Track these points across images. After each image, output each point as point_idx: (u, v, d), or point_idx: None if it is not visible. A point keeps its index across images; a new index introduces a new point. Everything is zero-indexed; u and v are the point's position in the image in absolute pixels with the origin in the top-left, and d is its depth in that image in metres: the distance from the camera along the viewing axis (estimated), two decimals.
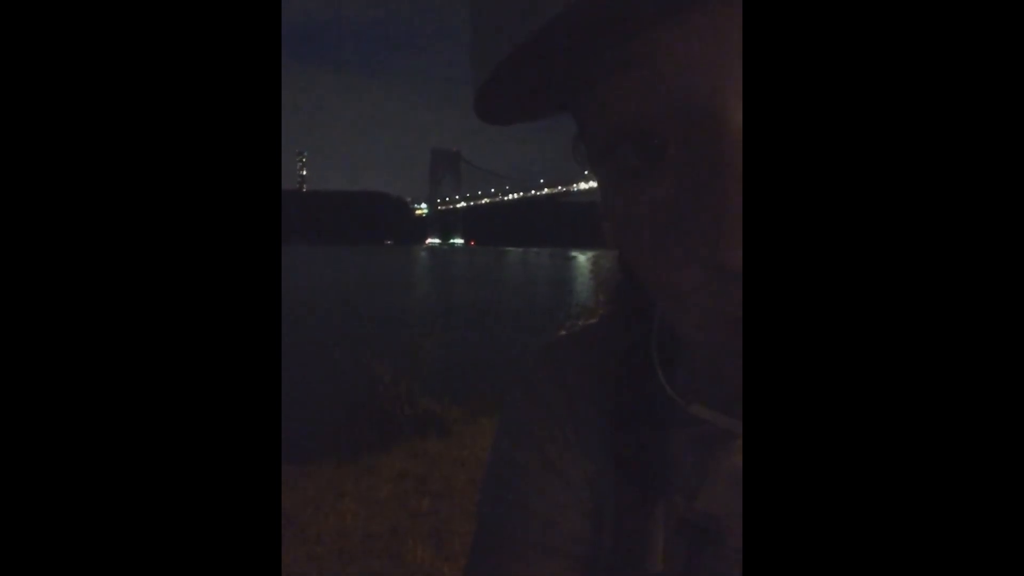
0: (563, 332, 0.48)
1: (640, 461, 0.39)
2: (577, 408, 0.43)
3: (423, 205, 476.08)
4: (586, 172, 0.34)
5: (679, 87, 0.26)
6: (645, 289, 0.33)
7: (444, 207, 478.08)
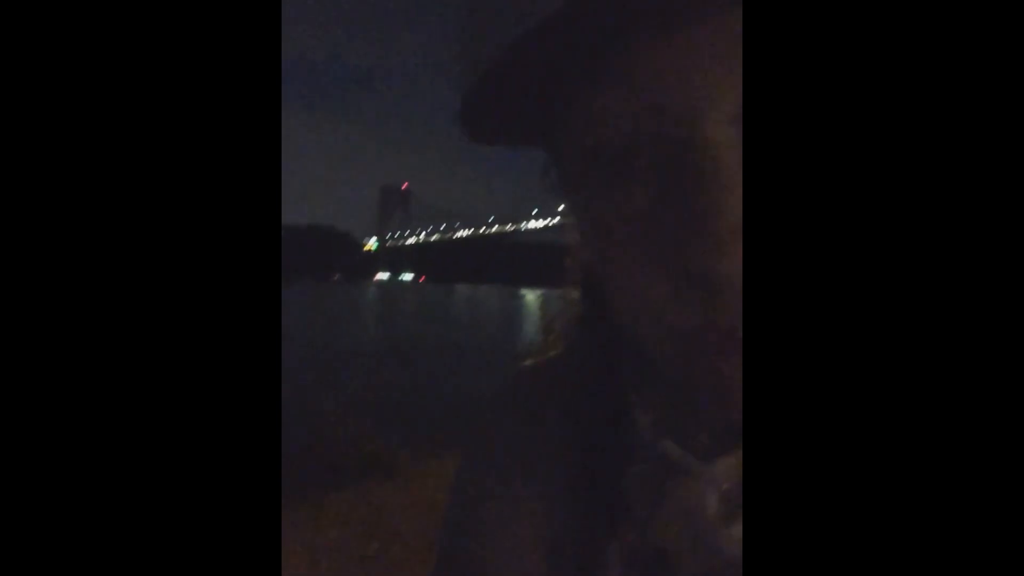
0: (528, 363, 0.48)
1: (598, 493, 0.39)
2: (539, 438, 0.43)
3: (372, 240, 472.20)
4: (553, 200, 0.34)
5: (654, 103, 0.27)
6: (611, 318, 0.33)
7: (394, 243, 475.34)
